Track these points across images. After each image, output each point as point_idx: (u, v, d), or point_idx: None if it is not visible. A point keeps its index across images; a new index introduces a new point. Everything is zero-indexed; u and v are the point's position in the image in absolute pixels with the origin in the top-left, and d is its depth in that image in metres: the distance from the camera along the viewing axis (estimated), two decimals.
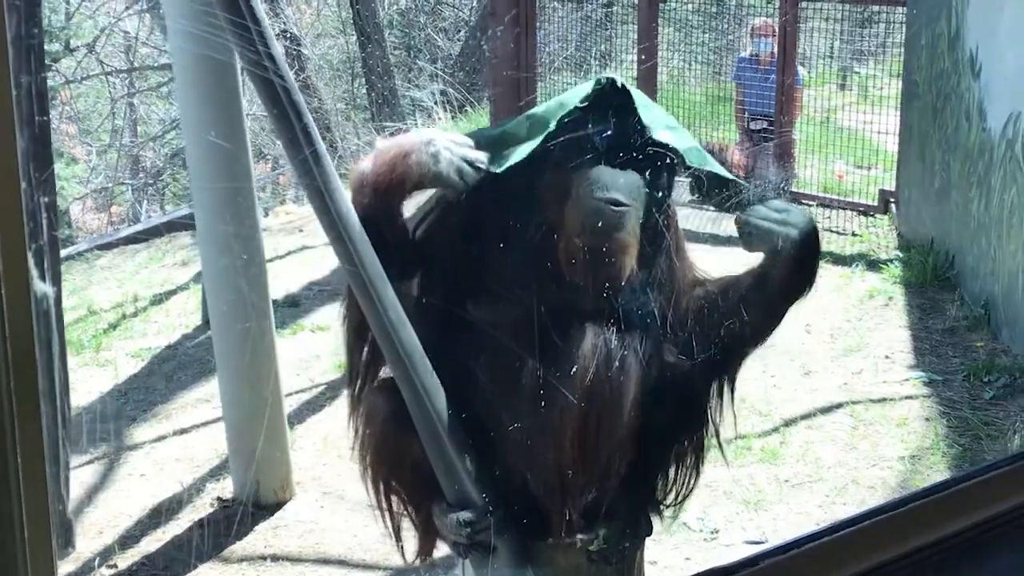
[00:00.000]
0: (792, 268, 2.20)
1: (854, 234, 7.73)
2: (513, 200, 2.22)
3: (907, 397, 5.33)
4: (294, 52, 12.01)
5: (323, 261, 7.42)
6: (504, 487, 2.29)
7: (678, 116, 8.02)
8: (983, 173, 6.12)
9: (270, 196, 11.60)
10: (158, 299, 7.41)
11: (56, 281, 4.00)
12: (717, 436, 2.44)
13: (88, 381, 6.05)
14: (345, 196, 2.08)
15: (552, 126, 2.13)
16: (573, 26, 9.62)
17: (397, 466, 2.40)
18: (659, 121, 2.18)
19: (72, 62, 11.29)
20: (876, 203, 8.05)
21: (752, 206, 2.21)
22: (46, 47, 9.14)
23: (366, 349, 2.35)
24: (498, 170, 2.17)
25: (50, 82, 9.44)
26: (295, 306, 6.93)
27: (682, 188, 2.35)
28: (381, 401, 2.35)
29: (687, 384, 2.33)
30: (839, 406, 5.29)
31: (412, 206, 2.31)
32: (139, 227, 9.90)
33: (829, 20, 8.98)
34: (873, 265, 6.97)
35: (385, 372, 2.36)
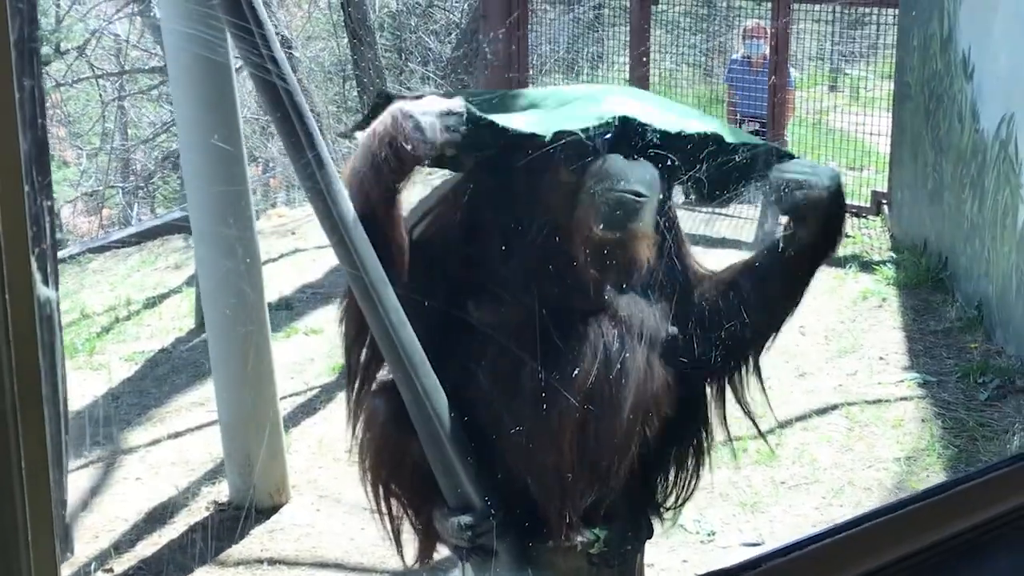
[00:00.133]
0: (822, 223, 2.24)
1: (847, 235, 7.73)
2: (513, 200, 2.22)
3: (902, 398, 5.33)
4: (285, 55, 11.98)
5: (316, 264, 7.41)
6: (505, 490, 2.29)
7: None
8: (976, 174, 6.12)
9: (261, 199, 11.57)
10: (151, 302, 7.38)
11: (56, 285, 3.98)
12: (755, 425, 2.48)
13: (82, 385, 6.02)
14: (347, 199, 2.07)
15: (548, 136, 2.13)
16: (564, 28, 9.63)
17: (397, 469, 2.40)
18: (685, 115, 2.24)
19: (62, 65, 11.26)
20: (868, 204, 8.06)
21: (782, 163, 2.26)
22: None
23: (365, 351, 2.34)
24: (480, 115, 2.13)
25: None
26: (288, 309, 6.91)
27: (679, 191, 2.37)
28: (381, 403, 2.35)
29: (695, 384, 2.33)
30: (834, 408, 5.29)
31: (410, 207, 2.31)
32: (131, 230, 9.87)
33: (820, 22, 9.00)
34: (866, 266, 6.97)
35: (384, 374, 2.35)
